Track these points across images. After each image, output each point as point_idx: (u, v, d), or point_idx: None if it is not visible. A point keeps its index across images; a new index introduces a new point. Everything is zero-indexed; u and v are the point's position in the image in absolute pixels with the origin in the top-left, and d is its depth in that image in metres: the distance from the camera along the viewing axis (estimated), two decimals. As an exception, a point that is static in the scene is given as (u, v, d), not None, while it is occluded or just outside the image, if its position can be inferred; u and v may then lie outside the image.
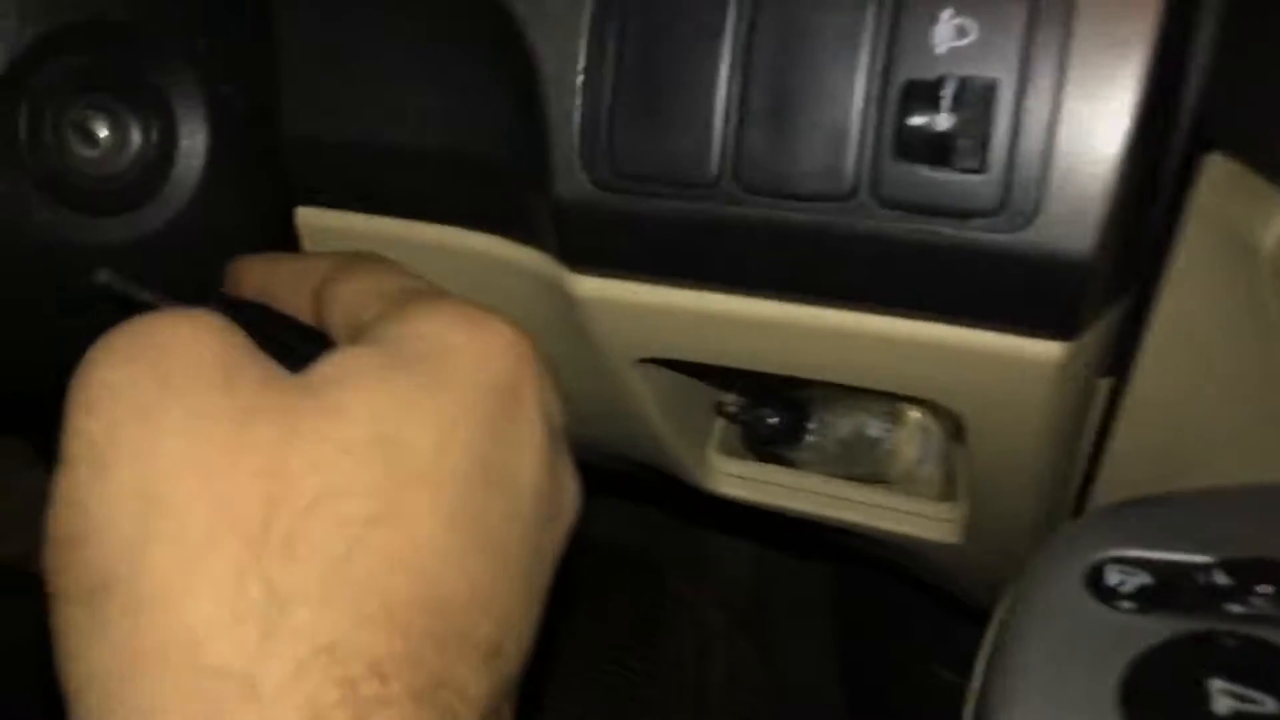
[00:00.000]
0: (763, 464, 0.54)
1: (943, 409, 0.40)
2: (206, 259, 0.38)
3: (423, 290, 0.30)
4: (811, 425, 0.53)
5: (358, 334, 0.28)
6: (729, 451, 0.54)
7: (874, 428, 0.56)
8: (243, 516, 0.22)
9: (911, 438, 0.57)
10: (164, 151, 0.39)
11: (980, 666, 0.36)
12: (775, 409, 0.52)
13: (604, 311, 0.39)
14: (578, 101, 0.35)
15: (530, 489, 0.27)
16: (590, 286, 0.38)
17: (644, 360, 0.42)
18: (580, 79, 0.34)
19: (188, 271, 0.39)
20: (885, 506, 0.52)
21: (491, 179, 0.38)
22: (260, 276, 0.34)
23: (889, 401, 0.57)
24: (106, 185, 0.38)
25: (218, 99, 0.39)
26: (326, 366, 0.26)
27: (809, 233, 0.33)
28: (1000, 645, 0.34)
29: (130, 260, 0.38)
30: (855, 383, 0.39)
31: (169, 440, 0.23)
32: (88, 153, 0.38)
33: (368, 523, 0.23)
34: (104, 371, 0.24)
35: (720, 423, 0.54)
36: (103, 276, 0.36)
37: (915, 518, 0.52)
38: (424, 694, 0.22)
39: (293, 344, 0.30)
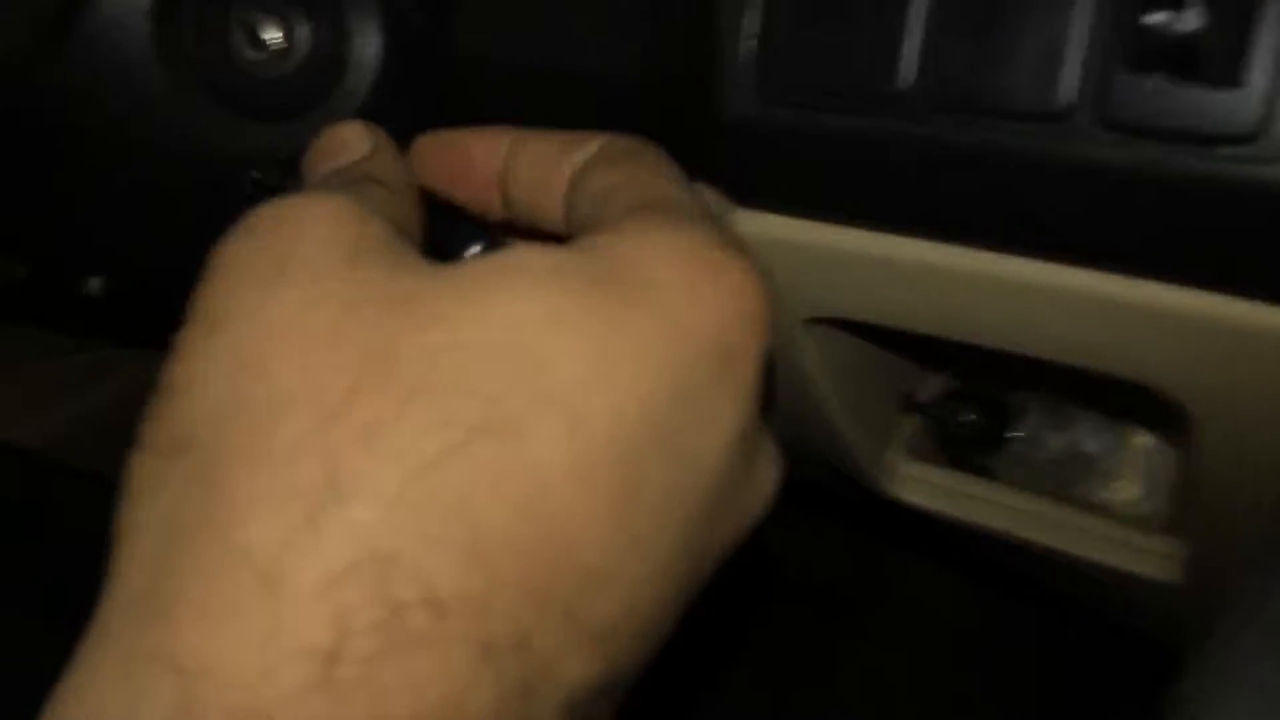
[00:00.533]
0: (955, 471, 0.48)
1: (1174, 422, 0.34)
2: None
3: (682, 205, 0.25)
4: (1016, 433, 0.47)
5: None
6: (915, 455, 0.48)
7: (1091, 444, 0.49)
8: (324, 391, 0.20)
9: (1136, 463, 0.50)
10: (334, 59, 0.38)
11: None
12: (974, 407, 0.46)
13: (771, 255, 0.35)
14: (752, 4, 0.31)
15: (711, 471, 0.22)
16: (757, 223, 0.34)
17: (817, 321, 0.37)
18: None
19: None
20: (1098, 535, 0.45)
21: (659, 107, 0.35)
22: (499, 155, 0.30)
23: (1111, 419, 0.50)
24: (272, 89, 0.37)
25: (393, 10, 0.38)
26: (485, 260, 0.22)
27: (1012, 159, 0.28)
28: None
29: (291, 170, 0.37)
30: (1057, 355, 0.33)
31: (276, 309, 0.21)
32: (254, 55, 0.37)
33: (475, 430, 0.19)
34: (234, 245, 0.23)
35: (908, 422, 0.49)
36: (255, 173, 0.35)
37: (1131, 550, 0.44)
38: (493, 650, 0.19)
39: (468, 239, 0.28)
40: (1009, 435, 0.47)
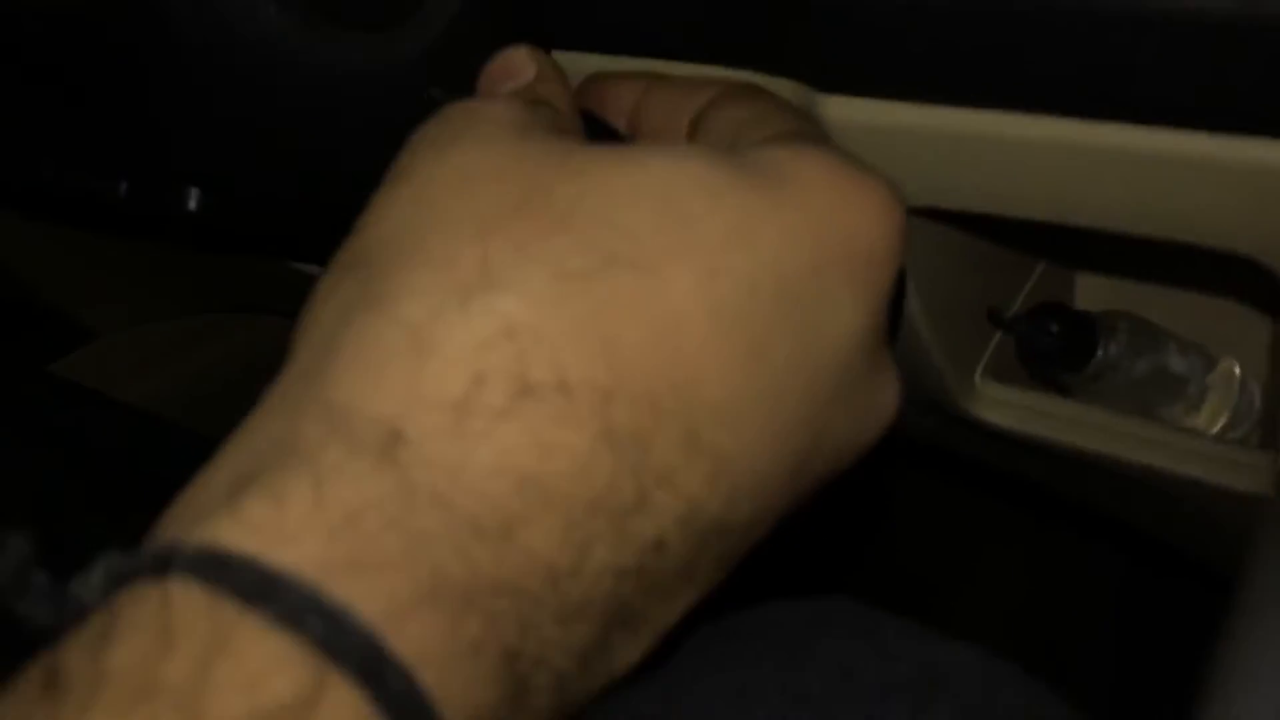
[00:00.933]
0: (1038, 391, 0.47)
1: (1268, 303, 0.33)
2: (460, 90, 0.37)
3: (813, 134, 0.28)
4: (1102, 351, 0.47)
5: None
6: (997, 375, 0.48)
7: (1179, 366, 0.48)
8: (485, 213, 0.23)
9: (1224, 388, 0.49)
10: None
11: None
12: (1061, 323, 0.45)
13: (858, 143, 0.35)
14: None
15: (835, 360, 0.24)
16: (845, 109, 0.34)
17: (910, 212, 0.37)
18: None
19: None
20: (1187, 449, 0.44)
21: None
22: (631, 97, 0.33)
23: (1200, 345, 0.49)
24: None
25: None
26: (643, 146, 0.26)
27: (1123, 13, 0.28)
28: None
29: (379, 82, 0.38)
30: (1153, 229, 0.33)
31: (452, 159, 0.24)
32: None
33: (614, 259, 0.22)
34: (425, 128, 0.26)
35: (991, 345, 0.48)
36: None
37: (1221, 463, 0.43)
38: (614, 436, 0.21)
39: None
40: (1095, 353, 0.46)
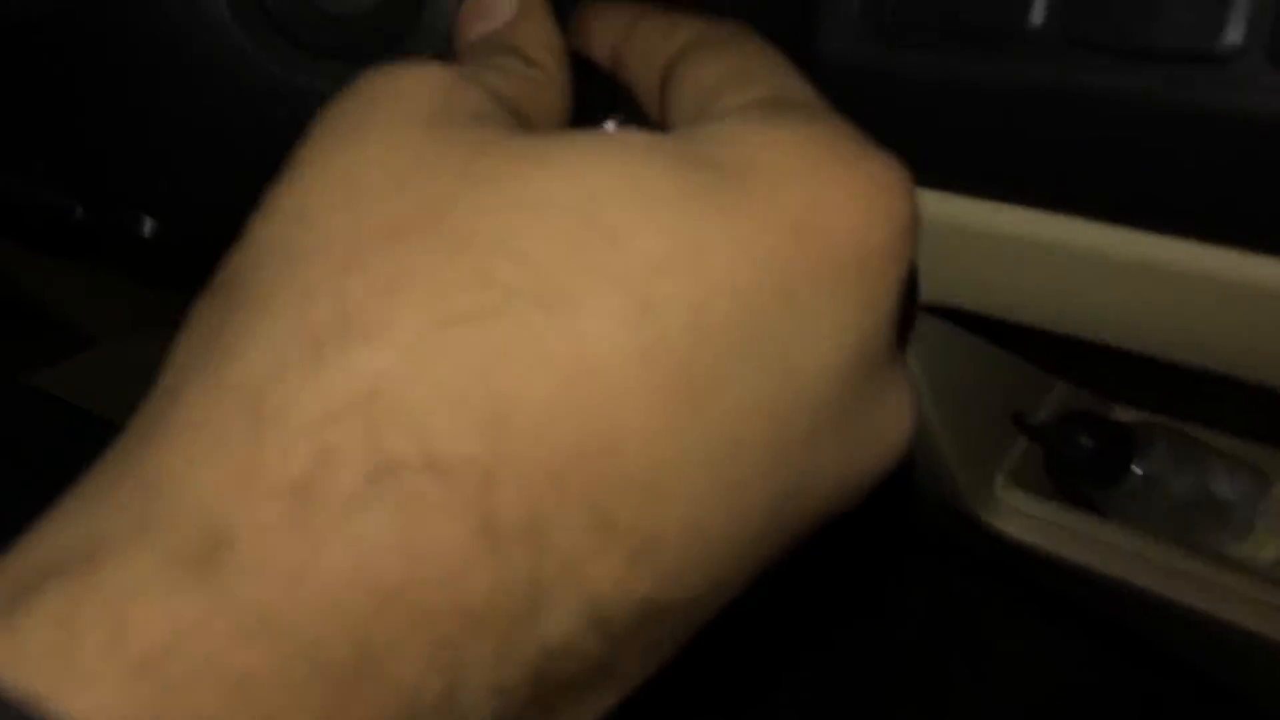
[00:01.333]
0: (1065, 506, 0.43)
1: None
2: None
3: (801, 98, 0.23)
4: (1139, 467, 0.42)
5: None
6: (1021, 484, 0.43)
7: (1225, 487, 0.43)
8: (363, 236, 0.18)
9: (1276, 515, 0.44)
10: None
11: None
12: (1093, 433, 0.40)
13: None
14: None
15: (818, 390, 0.19)
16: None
17: (926, 311, 0.33)
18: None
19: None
20: (1229, 589, 0.39)
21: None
22: (615, 33, 0.27)
23: (1248, 464, 0.44)
24: (346, 26, 0.35)
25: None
26: (577, 133, 0.20)
27: (1159, 109, 0.24)
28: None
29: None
30: (1206, 359, 0.28)
31: (340, 159, 0.20)
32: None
33: (516, 295, 0.17)
34: (332, 105, 0.22)
35: (1015, 445, 0.44)
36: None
37: (1267, 609, 0.38)
38: (496, 528, 0.16)
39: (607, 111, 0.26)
40: (1130, 469, 0.41)
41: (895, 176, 0.20)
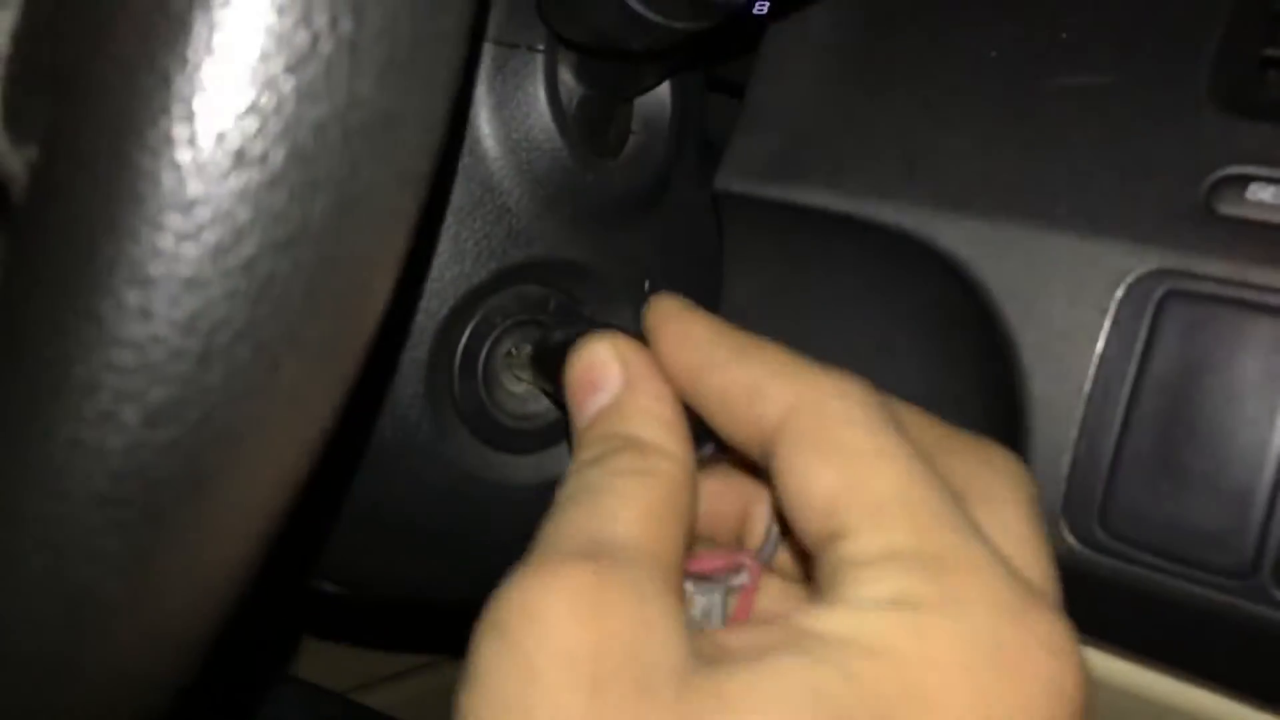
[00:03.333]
0: None
1: None
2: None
3: (940, 544, 0.20)
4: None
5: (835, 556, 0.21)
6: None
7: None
8: None
9: None
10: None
11: None
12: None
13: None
14: (1071, 436, 0.29)
15: None
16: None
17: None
18: (1081, 411, 0.29)
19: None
20: None
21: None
22: (692, 364, 0.26)
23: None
24: (523, 424, 0.36)
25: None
26: (737, 678, 0.20)
27: None
28: None
29: (533, 503, 0.36)
30: None
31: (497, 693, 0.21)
32: (514, 389, 0.36)
33: None
34: (485, 649, 0.22)
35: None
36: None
37: None
38: None
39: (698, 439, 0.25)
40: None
41: (1065, 652, 0.19)
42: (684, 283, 0.37)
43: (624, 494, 0.24)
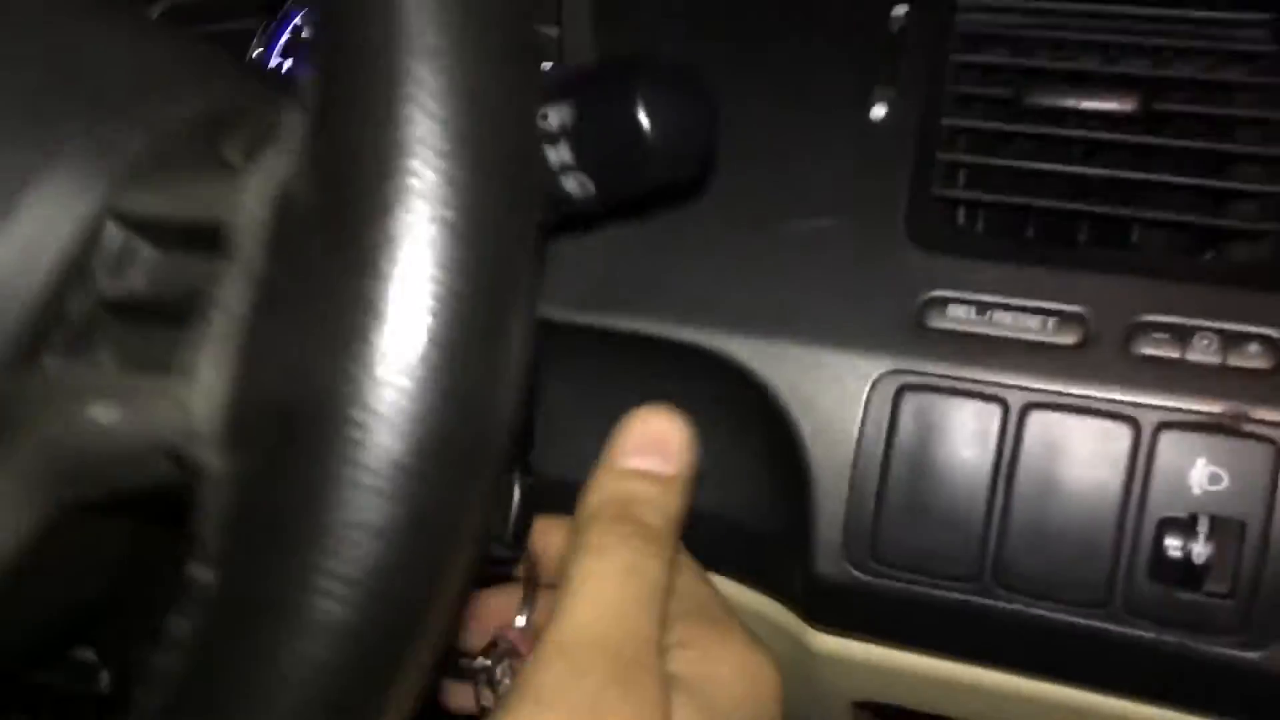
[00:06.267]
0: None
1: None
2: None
3: (713, 619, 0.35)
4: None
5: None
6: None
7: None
8: None
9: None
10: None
11: None
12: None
13: (837, 664, 0.42)
14: (845, 493, 0.39)
15: None
16: (830, 644, 0.42)
17: (862, 704, 0.45)
18: (849, 474, 0.39)
19: None
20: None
21: (750, 542, 0.42)
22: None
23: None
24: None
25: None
26: None
27: (1060, 629, 0.37)
28: None
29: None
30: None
31: None
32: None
33: None
34: None
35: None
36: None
37: None
38: None
39: None
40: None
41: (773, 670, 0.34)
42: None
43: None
